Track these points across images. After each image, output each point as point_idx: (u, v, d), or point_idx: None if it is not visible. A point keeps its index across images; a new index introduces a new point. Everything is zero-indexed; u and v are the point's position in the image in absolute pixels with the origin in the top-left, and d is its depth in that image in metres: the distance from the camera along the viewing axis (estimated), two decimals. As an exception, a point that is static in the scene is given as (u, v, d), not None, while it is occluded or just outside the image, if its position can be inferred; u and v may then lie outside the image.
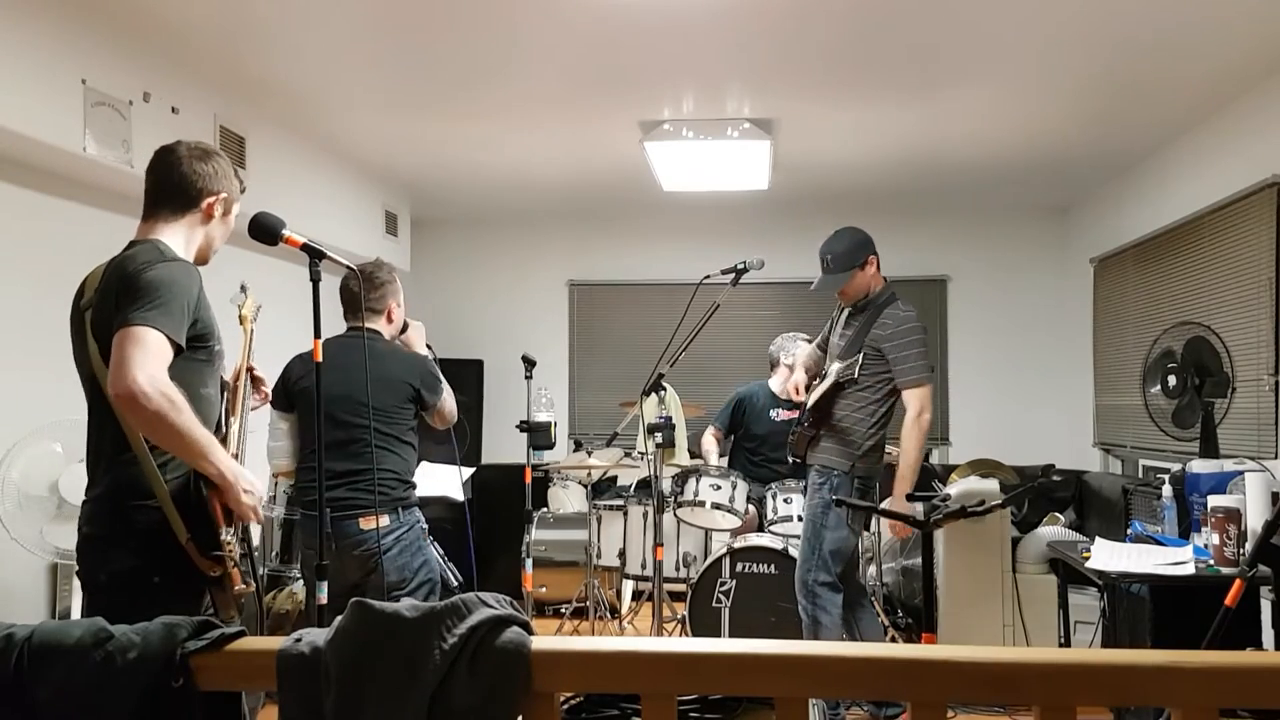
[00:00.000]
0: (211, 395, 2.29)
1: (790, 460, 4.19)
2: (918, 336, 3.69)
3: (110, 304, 2.14)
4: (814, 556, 3.70)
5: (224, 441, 2.31)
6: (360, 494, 3.13)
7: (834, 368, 3.74)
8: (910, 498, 3.53)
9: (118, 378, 2.03)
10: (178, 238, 2.30)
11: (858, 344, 3.72)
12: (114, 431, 2.16)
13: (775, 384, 5.29)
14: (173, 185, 2.31)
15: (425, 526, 3.32)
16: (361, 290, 3.33)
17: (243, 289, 2.67)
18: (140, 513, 2.15)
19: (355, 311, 3.38)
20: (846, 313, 3.87)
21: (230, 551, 2.20)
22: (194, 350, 2.19)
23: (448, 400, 3.41)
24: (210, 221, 2.36)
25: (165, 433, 2.07)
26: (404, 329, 3.53)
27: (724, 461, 5.23)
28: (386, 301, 3.38)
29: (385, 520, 3.17)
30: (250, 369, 2.55)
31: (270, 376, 2.88)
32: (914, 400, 3.64)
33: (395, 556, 3.17)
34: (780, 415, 5.28)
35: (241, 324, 2.60)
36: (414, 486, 3.31)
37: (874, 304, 3.76)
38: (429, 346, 3.63)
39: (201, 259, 2.38)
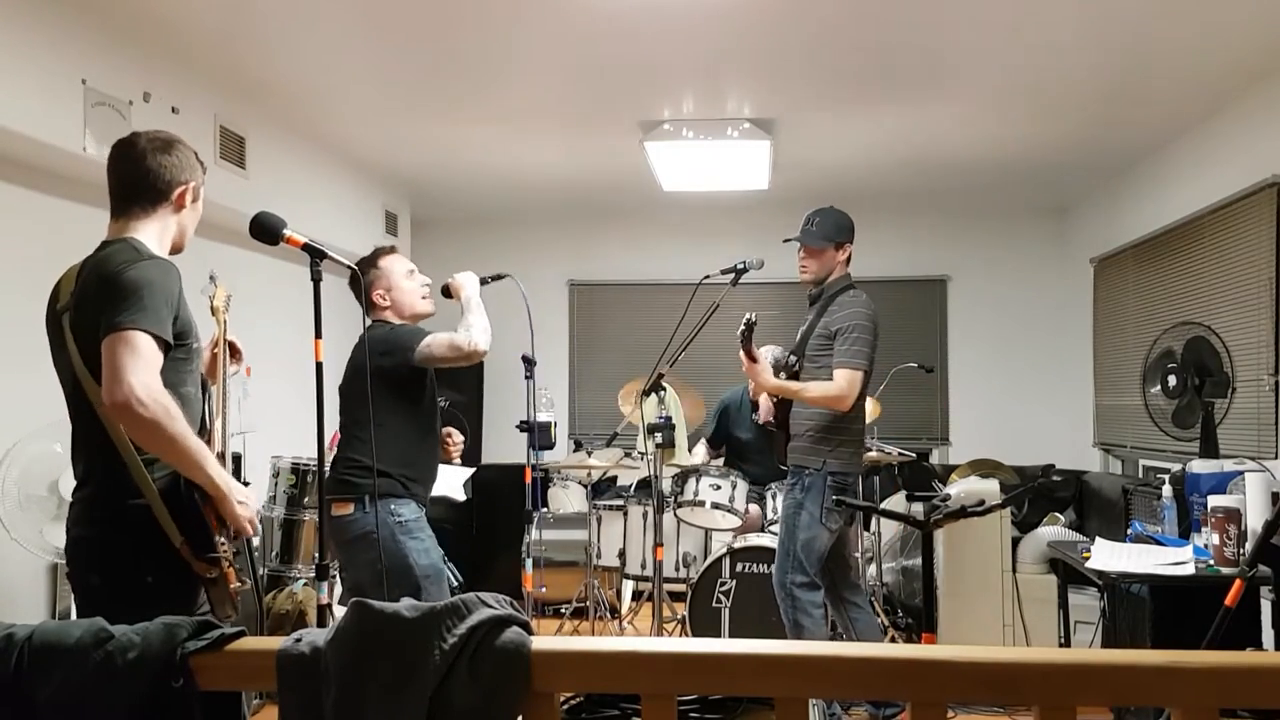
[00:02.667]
0: (192, 394, 2.26)
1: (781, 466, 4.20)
2: (867, 324, 3.62)
3: (90, 307, 2.11)
4: (788, 558, 3.65)
5: (209, 440, 2.29)
6: (335, 481, 3.07)
7: (793, 359, 3.77)
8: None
9: (113, 386, 2.00)
10: (151, 233, 2.25)
11: (808, 335, 3.72)
12: (99, 434, 2.13)
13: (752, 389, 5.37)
14: (141, 181, 2.25)
15: (404, 520, 3.07)
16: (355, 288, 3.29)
17: (212, 279, 2.62)
18: (130, 513, 2.12)
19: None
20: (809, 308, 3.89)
21: (225, 553, 2.19)
22: (174, 349, 2.16)
23: (435, 342, 3.09)
24: (182, 211, 2.32)
25: (160, 441, 2.05)
26: (446, 292, 3.37)
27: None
28: (371, 291, 3.27)
29: (349, 509, 3.03)
30: (230, 343, 2.52)
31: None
32: (841, 379, 3.57)
33: (362, 550, 3.00)
34: (762, 418, 5.32)
35: (214, 315, 2.56)
36: (392, 478, 3.06)
37: (828, 292, 3.76)
38: (496, 277, 3.54)
39: (176, 249, 2.35)
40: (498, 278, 3.64)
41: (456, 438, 3.49)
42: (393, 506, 3.07)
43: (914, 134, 5.29)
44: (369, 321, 3.30)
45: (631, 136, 5.21)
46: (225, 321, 2.56)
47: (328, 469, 2.88)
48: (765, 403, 3.84)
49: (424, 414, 3.24)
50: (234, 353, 2.56)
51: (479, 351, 3.15)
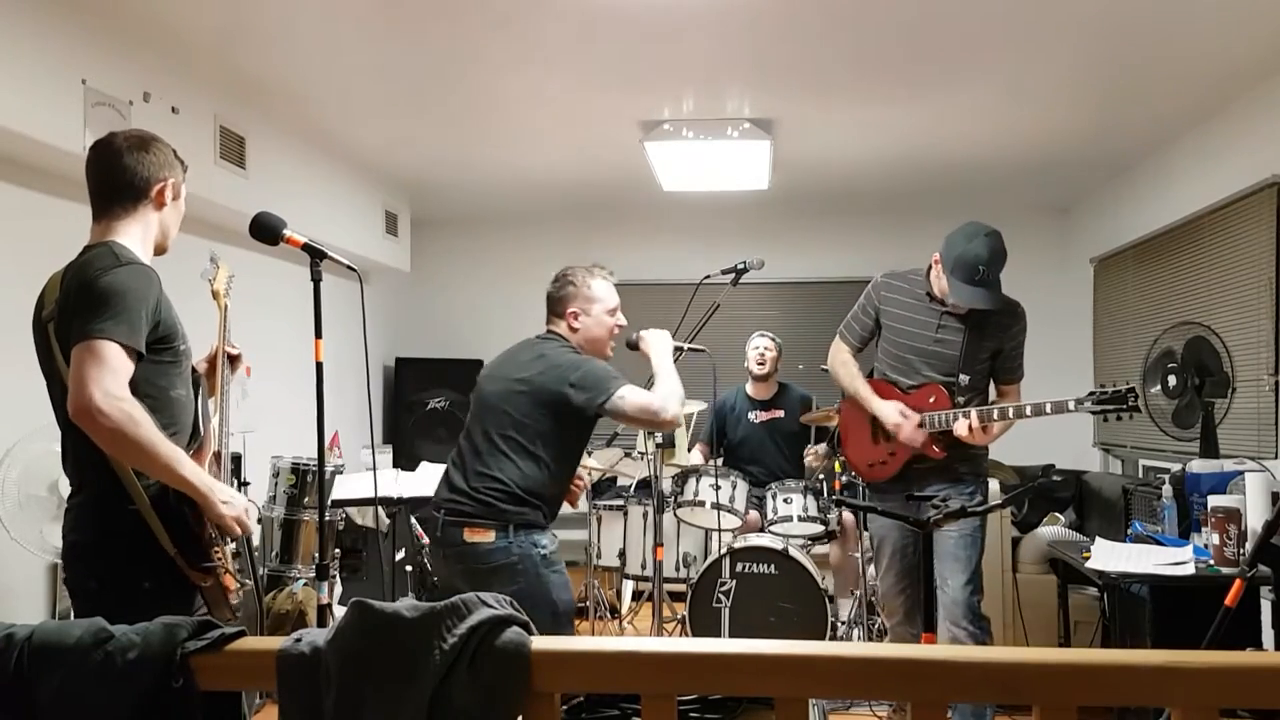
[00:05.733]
0: (182, 397, 2.24)
1: (837, 481, 4.16)
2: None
3: (70, 314, 2.09)
4: (976, 578, 3.35)
5: (202, 445, 2.28)
6: (471, 501, 2.87)
7: (965, 379, 3.41)
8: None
9: (75, 395, 1.99)
10: (133, 235, 2.24)
11: (977, 351, 3.41)
12: (89, 441, 2.10)
13: (749, 388, 5.35)
14: (118, 181, 2.24)
15: (548, 553, 2.91)
16: (550, 288, 3.17)
17: (212, 260, 2.60)
18: (125, 518, 2.11)
19: (548, 312, 3.19)
20: (932, 312, 3.44)
21: (220, 560, 2.17)
22: (159, 353, 2.14)
23: (630, 400, 2.88)
24: (162, 209, 2.29)
25: (126, 448, 2.03)
26: (632, 345, 3.23)
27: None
28: (565, 304, 3.12)
29: (490, 536, 2.83)
30: (229, 353, 2.49)
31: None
32: (1020, 393, 3.50)
33: (503, 583, 2.75)
34: (759, 417, 5.32)
35: (215, 299, 2.54)
36: (536, 508, 2.91)
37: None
38: (689, 347, 3.42)
39: (160, 249, 2.33)
40: (696, 350, 3.56)
41: (584, 481, 3.36)
42: (535, 537, 2.89)
43: (914, 134, 5.29)
44: (544, 331, 3.15)
45: (631, 136, 5.21)
46: (227, 306, 2.54)
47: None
48: (913, 433, 3.41)
49: (579, 450, 3.09)
50: (233, 361, 2.54)
51: (670, 422, 2.97)
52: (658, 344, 3.19)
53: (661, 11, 3.68)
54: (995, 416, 3.28)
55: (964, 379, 3.40)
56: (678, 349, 3.26)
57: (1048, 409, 3.21)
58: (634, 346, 3.26)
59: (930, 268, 3.45)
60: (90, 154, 2.28)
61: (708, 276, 3.97)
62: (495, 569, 2.84)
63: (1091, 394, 3.18)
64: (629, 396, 2.90)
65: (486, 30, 3.88)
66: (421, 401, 7.08)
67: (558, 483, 3.00)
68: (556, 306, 3.15)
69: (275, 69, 4.35)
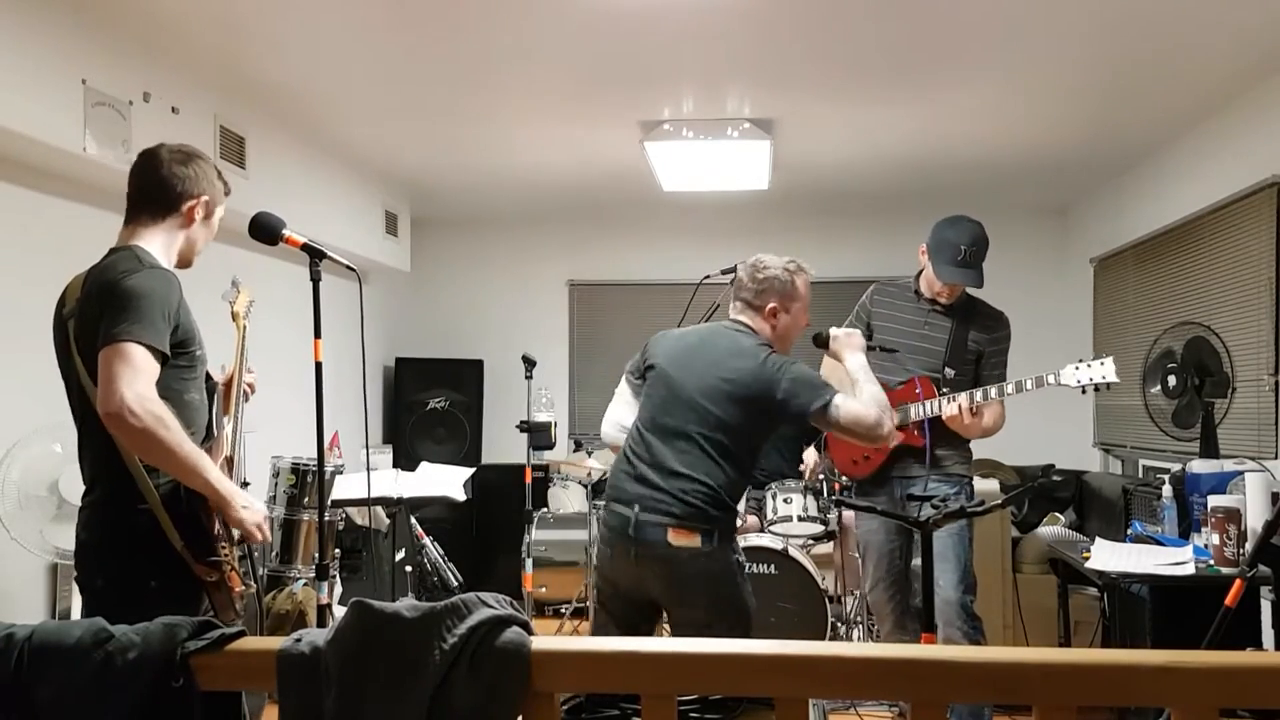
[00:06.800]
0: (196, 401, 2.27)
1: (837, 482, 4.10)
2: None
3: (93, 314, 2.13)
4: (967, 576, 3.38)
5: (213, 450, 2.30)
6: (677, 502, 2.73)
7: (950, 373, 3.49)
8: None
9: (106, 396, 2.02)
10: (156, 243, 2.28)
11: (960, 348, 3.52)
12: (103, 439, 2.15)
13: None
14: (153, 189, 2.29)
15: (742, 561, 2.84)
16: (746, 278, 3.00)
17: (234, 284, 2.65)
18: (135, 518, 2.15)
19: (737, 300, 3.03)
20: (919, 310, 3.60)
21: (227, 557, 2.20)
22: (176, 357, 2.17)
23: (844, 410, 2.75)
24: (191, 225, 2.34)
25: (155, 451, 2.07)
26: (819, 341, 3.08)
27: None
28: (766, 299, 2.95)
29: (697, 541, 2.72)
30: (246, 382, 2.53)
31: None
32: (1002, 407, 3.50)
33: (706, 588, 2.75)
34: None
35: (234, 321, 2.58)
36: (734, 514, 2.82)
37: (962, 300, 3.60)
38: (882, 349, 3.25)
39: (184, 263, 2.37)
40: (888, 350, 3.45)
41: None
42: (734, 544, 2.84)
43: (914, 134, 5.29)
44: (728, 321, 2.99)
45: (631, 136, 5.21)
46: (245, 327, 2.57)
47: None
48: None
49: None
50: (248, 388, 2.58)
51: (886, 438, 2.84)
52: (852, 345, 3.05)
53: (662, 11, 3.68)
54: (980, 397, 3.37)
55: (949, 372, 3.49)
56: (870, 347, 3.12)
57: (1028, 385, 3.38)
58: (823, 344, 3.13)
59: (920, 273, 3.63)
60: (135, 161, 2.34)
61: (708, 276, 3.97)
62: (700, 575, 2.75)
63: (1072, 367, 3.42)
64: (844, 405, 2.78)
65: (487, 30, 3.88)
66: (421, 401, 7.08)
67: (746, 488, 2.92)
68: (755, 300, 2.97)
69: (275, 69, 4.35)
